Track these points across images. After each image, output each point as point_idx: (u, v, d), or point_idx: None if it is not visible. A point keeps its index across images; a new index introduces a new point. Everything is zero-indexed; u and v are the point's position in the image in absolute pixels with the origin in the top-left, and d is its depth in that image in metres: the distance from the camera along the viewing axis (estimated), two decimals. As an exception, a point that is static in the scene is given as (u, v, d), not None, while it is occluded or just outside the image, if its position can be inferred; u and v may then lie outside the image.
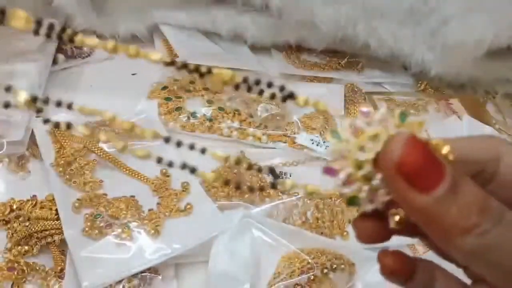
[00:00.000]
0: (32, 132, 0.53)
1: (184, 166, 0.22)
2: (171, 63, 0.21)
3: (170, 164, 0.22)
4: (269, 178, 0.56)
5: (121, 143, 0.22)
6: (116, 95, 0.61)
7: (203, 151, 0.23)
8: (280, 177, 0.57)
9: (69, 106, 0.21)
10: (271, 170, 0.23)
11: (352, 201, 0.22)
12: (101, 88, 0.63)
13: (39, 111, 0.21)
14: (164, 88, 0.63)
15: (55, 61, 0.64)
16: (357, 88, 0.71)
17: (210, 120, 0.60)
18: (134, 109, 0.58)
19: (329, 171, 0.22)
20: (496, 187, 0.23)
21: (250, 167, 0.23)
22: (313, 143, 0.60)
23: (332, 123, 0.64)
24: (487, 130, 0.65)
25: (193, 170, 0.22)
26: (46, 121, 0.21)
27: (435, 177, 0.19)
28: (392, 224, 0.22)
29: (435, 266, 0.25)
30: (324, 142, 0.61)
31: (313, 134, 0.61)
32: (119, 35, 0.69)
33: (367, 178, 0.21)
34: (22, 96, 0.20)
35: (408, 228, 0.23)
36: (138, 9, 0.70)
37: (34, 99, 0.20)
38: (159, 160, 0.22)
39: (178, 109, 0.61)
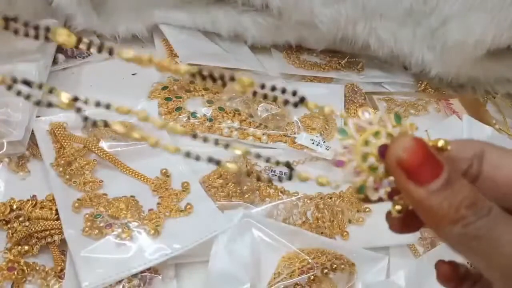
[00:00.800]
0: (32, 132, 0.53)
1: (210, 159, 0.25)
2: (200, 73, 0.23)
3: (197, 158, 0.24)
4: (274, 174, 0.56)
5: (154, 139, 0.24)
6: (116, 95, 0.61)
7: (226, 146, 0.25)
8: (281, 176, 0.57)
9: (108, 106, 0.24)
10: (287, 164, 0.26)
11: (361, 189, 0.25)
12: (101, 88, 0.63)
13: (78, 110, 0.23)
14: (164, 88, 0.63)
15: (55, 61, 0.64)
16: (357, 88, 0.71)
17: (210, 120, 0.60)
18: (134, 109, 0.58)
19: (338, 163, 0.25)
20: (481, 183, 0.26)
21: (258, 156, 0.26)
22: (313, 143, 0.60)
23: (332, 123, 0.64)
24: (487, 130, 0.65)
25: (218, 163, 0.25)
26: (85, 118, 0.23)
27: (432, 173, 0.22)
28: (393, 213, 0.25)
29: (479, 276, 0.28)
30: (324, 142, 0.61)
31: (313, 134, 0.61)
32: (119, 35, 0.69)
33: (372, 169, 0.24)
34: (65, 97, 0.22)
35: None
36: (138, 9, 0.70)
37: (75, 99, 0.22)
38: (188, 154, 0.25)
39: (178, 109, 0.61)
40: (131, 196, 0.49)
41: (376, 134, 0.24)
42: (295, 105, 0.24)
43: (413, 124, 0.25)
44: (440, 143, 0.25)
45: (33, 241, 0.45)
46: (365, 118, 0.25)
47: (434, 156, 0.23)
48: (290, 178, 0.26)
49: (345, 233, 0.52)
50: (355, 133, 0.25)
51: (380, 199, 0.25)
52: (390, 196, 0.25)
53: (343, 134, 0.25)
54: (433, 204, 0.22)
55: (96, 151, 0.52)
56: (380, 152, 0.24)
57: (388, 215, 0.26)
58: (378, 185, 0.25)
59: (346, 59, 0.75)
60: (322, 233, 0.51)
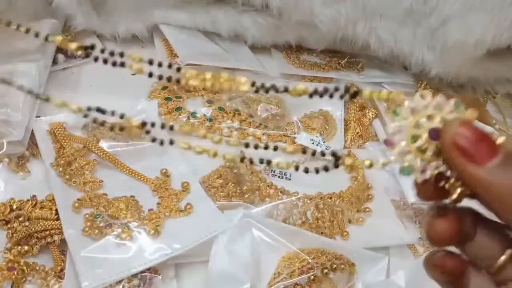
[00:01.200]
0: (32, 132, 0.53)
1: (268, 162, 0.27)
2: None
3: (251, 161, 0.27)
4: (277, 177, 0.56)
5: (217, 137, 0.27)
6: (116, 95, 0.61)
7: (275, 148, 0.27)
8: (282, 176, 0.57)
9: (171, 127, 0.26)
10: (333, 153, 0.26)
11: (404, 170, 0.25)
12: (101, 88, 0.63)
13: (153, 140, 0.26)
14: (164, 88, 0.63)
15: (55, 61, 0.64)
16: (357, 88, 0.71)
17: (210, 120, 0.60)
18: (134, 109, 0.58)
19: (389, 142, 0.25)
20: None
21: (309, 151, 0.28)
22: (313, 143, 0.60)
23: (332, 123, 0.64)
24: (487, 130, 0.65)
25: (268, 162, 0.27)
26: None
27: (489, 152, 0.22)
28: (454, 196, 0.25)
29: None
30: (324, 142, 0.61)
31: (313, 134, 0.61)
32: (119, 35, 0.69)
33: (421, 151, 0.24)
34: (135, 123, 0.25)
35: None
36: (138, 9, 0.70)
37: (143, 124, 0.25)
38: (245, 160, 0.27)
39: (178, 109, 0.61)
40: (131, 196, 0.49)
41: (430, 117, 0.24)
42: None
43: (475, 114, 0.25)
44: (500, 140, 0.24)
45: (33, 241, 0.45)
46: (422, 101, 0.25)
47: (488, 137, 0.23)
48: (336, 166, 0.26)
49: (345, 233, 0.52)
50: (409, 115, 0.25)
51: (425, 182, 0.25)
52: (437, 179, 0.25)
53: (396, 114, 0.25)
54: (495, 182, 0.22)
55: (96, 151, 0.52)
56: (431, 134, 0.24)
57: (430, 225, 0.26)
58: (426, 168, 0.25)
59: (346, 59, 0.75)
60: (322, 233, 0.51)
